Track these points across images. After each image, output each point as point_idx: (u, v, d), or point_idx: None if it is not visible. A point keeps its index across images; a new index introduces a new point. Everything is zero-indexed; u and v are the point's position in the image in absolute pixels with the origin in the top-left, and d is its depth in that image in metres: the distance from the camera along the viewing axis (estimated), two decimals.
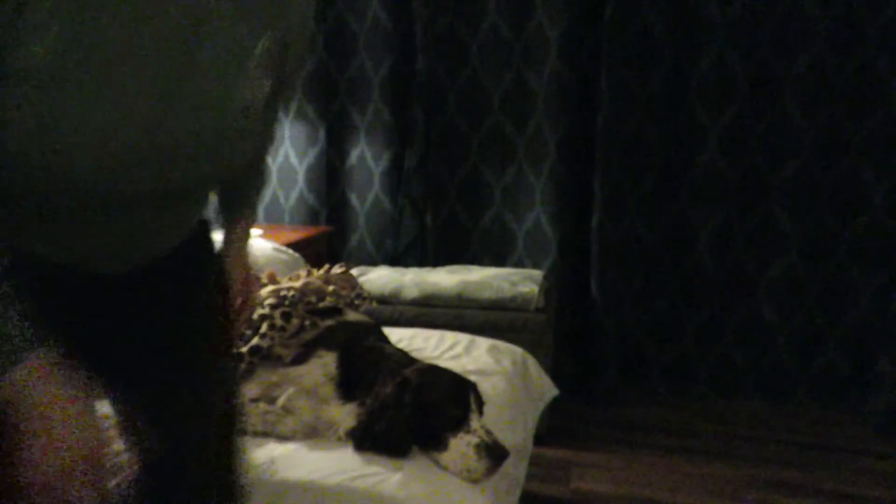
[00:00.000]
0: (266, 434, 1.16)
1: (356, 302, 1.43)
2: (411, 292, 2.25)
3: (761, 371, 2.64)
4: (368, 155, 2.81)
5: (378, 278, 2.32)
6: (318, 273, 1.44)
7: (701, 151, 2.53)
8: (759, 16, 2.42)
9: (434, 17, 2.67)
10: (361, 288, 1.46)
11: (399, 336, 1.72)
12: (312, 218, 2.90)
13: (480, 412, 1.14)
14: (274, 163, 2.91)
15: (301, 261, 1.95)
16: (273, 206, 2.96)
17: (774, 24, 2.43)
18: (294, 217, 2.91)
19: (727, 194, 2.54)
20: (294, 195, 2.88)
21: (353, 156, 2.84)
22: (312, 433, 1.16)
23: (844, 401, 2.56)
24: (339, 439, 1.13)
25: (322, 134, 2.83)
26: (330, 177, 2.89)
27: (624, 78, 2.50)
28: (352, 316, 1.36)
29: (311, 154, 2.84)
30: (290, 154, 2.88)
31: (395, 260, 2.83)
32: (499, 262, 2.77)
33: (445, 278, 2.30)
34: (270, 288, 1.33)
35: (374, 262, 2.80)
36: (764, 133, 2.51)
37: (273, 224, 2.90)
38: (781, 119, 2.49)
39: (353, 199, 2.87)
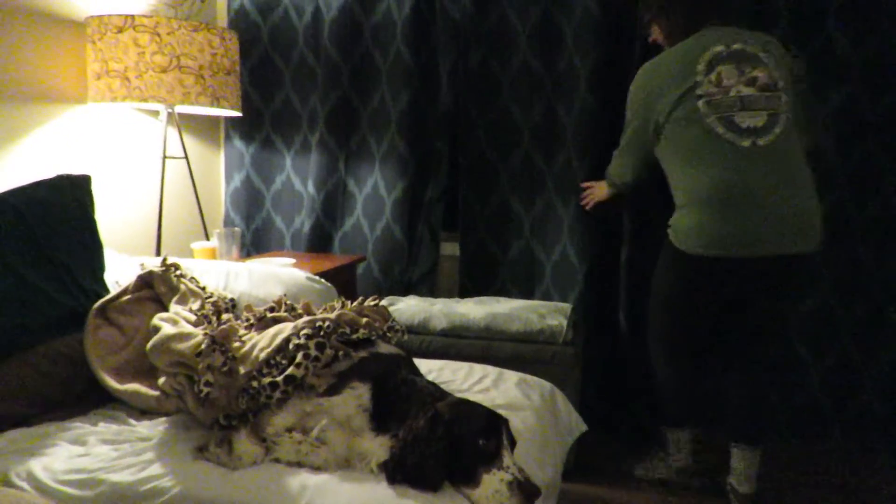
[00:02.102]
0: (299, 464, 1.18)
1: (388, 334, 1.45)
2: (440, 323, 2.27)
3: (794, 410, 2.58)
4: (381, 184, 2.86)
5: (407, 308, 2.35)
6: (352, 305, 1.46)
7: None
8: (792, 52, 2.43)
9: (465, 51, 2.73)
10: (394, 320, 1.47)
11: (428, 368, 1.74)
12: (326, 245, 2.95)
13: (512, 448, 1.15)
14: (296, 192, 2.98)
15: (333, 291, 1.98)
16: (295, 234, 3.03)
17: (807, 61, 2.43)
18: (309, 244, 2.96)
19: None
20: (308, 223, 2.93)
21: (369, 184, 2.89)
22: (345, 464, 1.17)
23: (882, 442, 2.49)
24: (372, 472, 1.14)
25: (341, 164, 2.89)
26: (345, 205, 2.94)
27: None
28: (384, 348, 1.38)
29: (330, 183, 2.89)
30: (308, 183, 2.94)
31: (408, 288, 2.85)
32: (526, 292, 2.78)
33: (474, 309, 2.32)
34: (306, 318, 1.35)
35: (380, 290, 2.83)
36: None
37: (299, 251, 2.95)
38: (814, 154, 2.47)
39: (365, 228, 2.92)
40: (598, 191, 2.40)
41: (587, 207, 2.48)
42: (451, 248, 2.98)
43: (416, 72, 2.76)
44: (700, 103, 1.83)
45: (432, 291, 2.90)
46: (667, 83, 1.89)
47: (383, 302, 1.55)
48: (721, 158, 1.80)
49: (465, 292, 2.83)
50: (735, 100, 1.82)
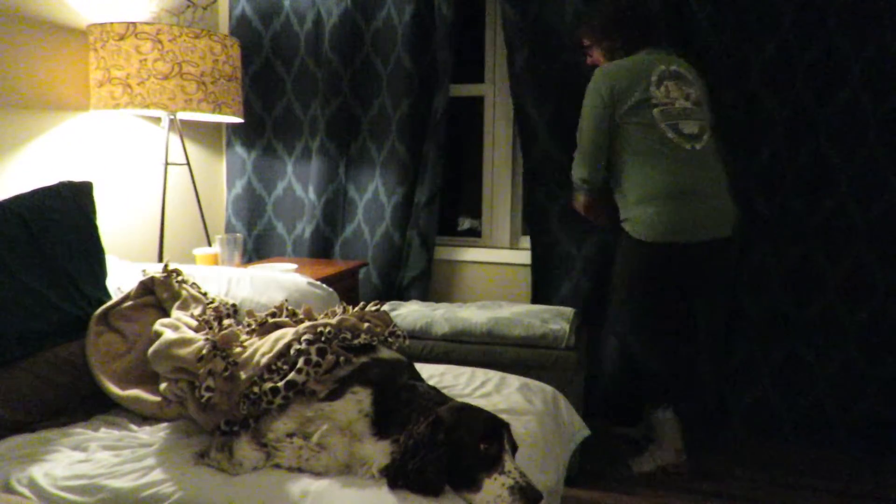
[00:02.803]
0: (300, 469, 1.17)
1: (390, 340, 1.45)
2: (442, 328, 2.27)
3: (799, 414, 2.57)
4: (382, 190, 2.86)
5: (409, 313, 2.34)
6: (354, 310, 1.46)
7: (737, 191, 2.52)
8: (794, 55, 2.43)
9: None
10: (395, 325, 1.47)
11: (430, 373, 1.73)
12: (328, 250, 2.95)
13: (514, 453, 1.14)
14: (298, 197, 2.98)
15: (335, 296, 1.98)
16: (296, 240, 3.03)
17: (809, 65, 2.44)
18: (310, 250, 2.96)
19: (761, 233, 2.52)
20: (310, 229, 2.94)
21: (370, 190, 2.90)
22: (346, 470, 1.17)
23: (887, 447, 2.47)
24: (373, 477, 1.13)
25: (342, 170, 2.90)
26: (346, 211, 2.94)
27: None
28: (386, 353, 1.38)
29: (330, 189, 2.89)
30: (309, 190, 2.95)
31: (400, 293, 2.85)
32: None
33: (476, 314, 2.31)
34: (308, 324, 1.35)
35: (379, 295, 2.83)
36: (799, 172, 2.50)
37: (301, 257, 2.95)
38: (817, 159, 2.48)
39: (366, 233, 2.92)
40: (581, 207, 2.37)
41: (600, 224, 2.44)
42: (446, 253, 2.96)
43: (416, 77, 2.77)
44: (655, 111, 2.11)
45: (426, 296, 2.89)
46: (627, 88, 2.12)
47: (385, 307, 1.55)
48: (673, 160, 2.11)
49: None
50: (680, 110, 2.14)
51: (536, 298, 2.75)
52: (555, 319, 2.27)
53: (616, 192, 2.24)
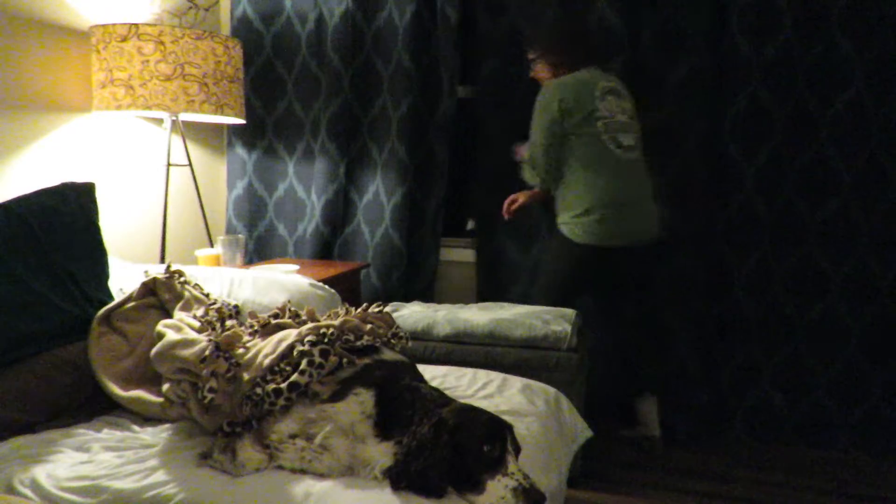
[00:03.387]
0: (303, 471, 1.17)
1: (392, 341, 1.44)
2: (443, 329, 2.26)
3: (801, 415, 2.57)
4: (382, 191, 2.86)
5: (411, 314, 2.34)
6: (356, 311, 1.46)
7: (737, 191, 2.52)
8: (795, 56, 2.43)
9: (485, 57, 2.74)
10: (398, 327, 1.47)
11: (432, 374, 1.73)
12: (330, 251, 2.96)
13: (517, 454, 1.14)
14: (302, 199, 2.98)
15: (337, 297, 1.98)
16: (298, 241, 3.03)
17: (810, 65, 2.44)
18: (310, 250, 2.96)
19: (763, 234, 2.52)
20: (311, 230, 2.94)
21: (370, 191, 2.90)
22: (348, 471, 1.17)
23: (889, 449, 2.47)
24: (376, 478, 1.13)
25: (342, 170, 2.90)
26: (346, 211, 2.94)
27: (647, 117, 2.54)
28: (388, 355, 1.37)
29: (331, 189, 2.89)
30: (310, 190, 2.95)
31: (407, 295, 2.86)
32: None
33: (478, 315, 2.30)
34: (310, 325, 1.35)
35: (377, 296, 2.83)
36: (801, 173, 2.50)
37: (303, 258, 2.95)
38: (818, 159, 2.48)
39: (366, 234, 2.92)
40: (522, 197, 2.53)
41: (508, 214, 2.57)
42: (454, 255, 2.97)
43: (416, 78, 2.77)
44: (599, 124, 2.27)
45: (432, 297, 2.90)
46: (576, 102, 2.26)
47: (387, 308, 1.55)
48: (614, 170, 2.28)
49: (483, 297, 2.82)
50: (620, 124, 2.31)
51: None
52: (557, 321, 2.26)
53: (558, 196, 2.38)
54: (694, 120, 2.52)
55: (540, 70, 2.42)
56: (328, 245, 2.97)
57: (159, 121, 2.54)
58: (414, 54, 2.75)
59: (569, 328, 2.19)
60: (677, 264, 2.62)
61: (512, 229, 2.77)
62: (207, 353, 1.31)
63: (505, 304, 2.52)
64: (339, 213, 2.96)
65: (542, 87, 2.33)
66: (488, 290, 2.84)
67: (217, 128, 3.01)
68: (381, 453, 1.15)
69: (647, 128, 2.44)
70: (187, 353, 1.34)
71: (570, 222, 2.31)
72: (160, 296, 1.66)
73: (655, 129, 2.50)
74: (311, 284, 1.95)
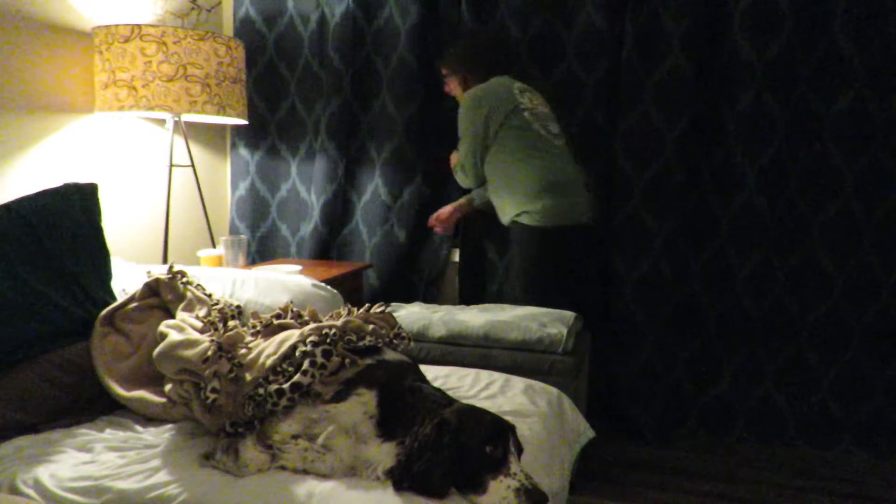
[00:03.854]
0: (306, 471, 1.17)
1: (395, 341, 1.44)
2: (438, 330, 2.24)
3: (804, 416, 2.56)
4: (383, 190, 2.86)
5: (408, 315, 2.32)
6: (358, 312, 1.46)
7: (739, 191, 2.52)
8: (797, 57, 2.43)
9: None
10: (400, 327, 1.47)
11: (434, 374, 1.73)
12: (331, 252, 2.96)
13: (519, 455, 1.14)
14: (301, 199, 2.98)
15: (339, 298, 1.98)
16: (300, 241, 3.03)
17: (812, 65, 2.43)
18: (314, 251, 2.97)
19: (766, 234, 2.52)
20: (314, 230, 2.94)
21: (369, 191, 2.90)
22: (351, 472, 1.17)
23: (893, 449, 2.46)
24: (378, 479, 1.13)
25: (341, 170, 2.90)
26: (344, 211, 2.95)
27: (651, 118, 2.53)
28: (391, 355, 1.37)
29: (329, 189, 2.90)
30: (311, 190, 2.95)
31: (412, 295, 2.86)
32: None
33: (474, 317, 2.29)
34: (312, 325, 1.35)
35: (376, 296, 2.85)
36: (803, 173, 2.50)
37: (305, 259, 2.95)
38: (821, 159, 2.47)
39: (364, 234, 2.92)
40: (447, 213, 2.64)
41: (438, 230, 2.70)
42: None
43: (418, 77, 2.77)
44: (526, 114, 2.36)
45: (436, 298, 2.90)
46: (498, 103, 2.35)
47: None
48: (551, 155, 2.37)
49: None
50: (543, 113, 2.41)
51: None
52: (553, 323, 2.24)
53: (499, 194, 2.44)
54: (674, 120, 2.52)
55: (452, 85, 2.54)
56: (332, 245, 2.97)
57: (162, 121, 2.55)
58: (415, 54, 2.76)
59: (564, 331, 2.17)
60: (679, 264, 2.62)
61: (494, 230, 2.77)
62: (210, 353, 1.31)
63: (505, 306, 2.51)
64: (337, 212, 2.95)
65: (462, 104, 2.42)
66: (469, 291, 2.85)
67: (219, 128, 3.02)
68: (384, 454, 1.15)
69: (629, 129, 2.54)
70: (190, 353, 1.34)
71: (530, 210, 2.36)
72: (163, 296, 1.66)
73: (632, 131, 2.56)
74: (314, 285, 1.95)
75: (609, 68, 2.58)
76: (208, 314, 1.56)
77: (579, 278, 2.58)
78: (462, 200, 2.63)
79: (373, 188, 2.90)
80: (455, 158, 2.53)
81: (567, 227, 2.37)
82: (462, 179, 2.55)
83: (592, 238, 2.54)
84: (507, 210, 2.42)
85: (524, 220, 2.38)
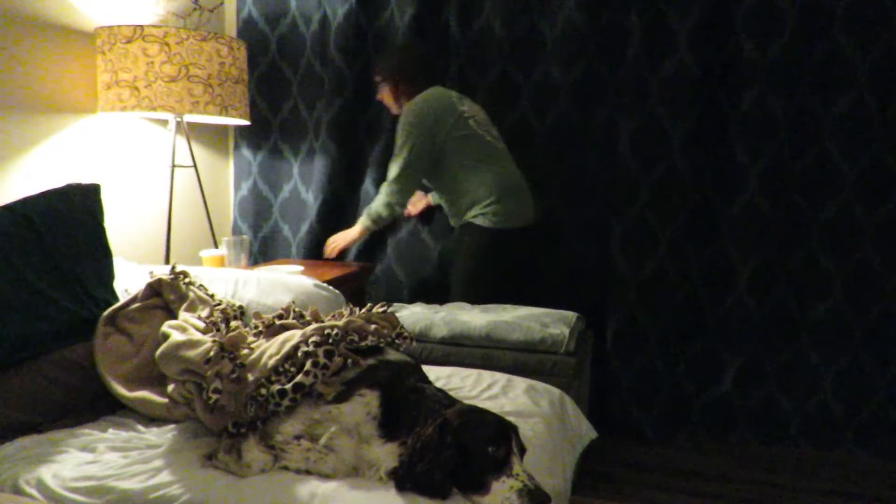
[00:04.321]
0: (308, 472, 1.17)
1: (397, 341, 1.45)
2: (440, 331, 2.24)
3: (806, 416, 2.56)
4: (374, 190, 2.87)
5: (410, 315, 2.32)
6: (361, 312, 1.46)
7: (741, 191, 2.52)
8: (799, 57, 2.43)
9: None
10: (402, 327, 1.47)
11: (436, 374, 1.73)
12: (319, 250, 2.96)
13: (522, 455, 1.14)
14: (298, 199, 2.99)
15: (341, 298, 1.98)
16: (302, 242, 3.03)
17: (814, 66, 2.43)
18: (316, 252, 2.97)
19: (767, 234, 2.52)
20: (317, 230, 2.94)
21: (361, 190, 2.91)
22: (353, 472, 1.17)
23: (895, 449, 2.46)
24: (381, 479, 1.13)
25: (343, 170, 2.90)
26: (344, 211, 2.96)
27: (654, 117, 2.53)
28: (393, 355, 1.37)
29: (329, 189, 2.90)
30: (311, 190, 2.96)
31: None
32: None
33: (477, 317, 2.29)
34: (314, 326, 1.35)
35: (378, 294, 2.86)
36: (805, 173, 2.50)
37: (306, 259, 2.95)
38: (822, 159, 2.47)
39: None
40: (343, 239, 2.67)
41: (333, 256, 2.72)
42: None
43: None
44: (471, 122, 2.44)
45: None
46: (442, 112, 2.42)
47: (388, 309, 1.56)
48: (500, 158, 2.49)
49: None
50: (484, 119, 2.52)
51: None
52: (555, 324, 2.24)
53: (453, 199, 2.52)
54: (679, 120, 2.52)
55: (384, 93, 2.58)
56: (321, 244, 2.96)
57: (164, 122, 2.55)
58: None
59: (567, 331, 2.17)
60: (681, 265, 2.62)
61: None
62: (212, 353, 1.31)
63: (507, 307, 2.51)
64: (336, 212, 2.95)
65: (405, 107, 2.46)
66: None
67: (221, 129, 3.02)
68: (386, 454, 1.15)
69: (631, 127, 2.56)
70: (192, 353, 1.34)
71: (485, 212, 2.43)
72: (165, 296, 1.66)
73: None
74: (316, 285, 1.95)
75: (586, 67, 2.60)
76: (210, 314, 1.57)
77: (525, 276, 2.71)
78: (360, 231, 2.62)
79: (365, 188, 2.92)
80: (392, 173, 2.49)
81: (518, 229, 2.48)
82: (389, 196, 2.49)
83: (534, 237, 2.62)
84: (463, 212, 2.49)
85: (479, 221, 2.45)
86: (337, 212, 2.95)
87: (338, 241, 2.69)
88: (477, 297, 2.44)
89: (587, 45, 2.59)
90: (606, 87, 2.62)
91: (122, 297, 1.70)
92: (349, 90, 2.84)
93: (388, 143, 2.82)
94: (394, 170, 2.47)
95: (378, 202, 2.53)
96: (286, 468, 1.19)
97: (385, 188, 2.50)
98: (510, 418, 1.24)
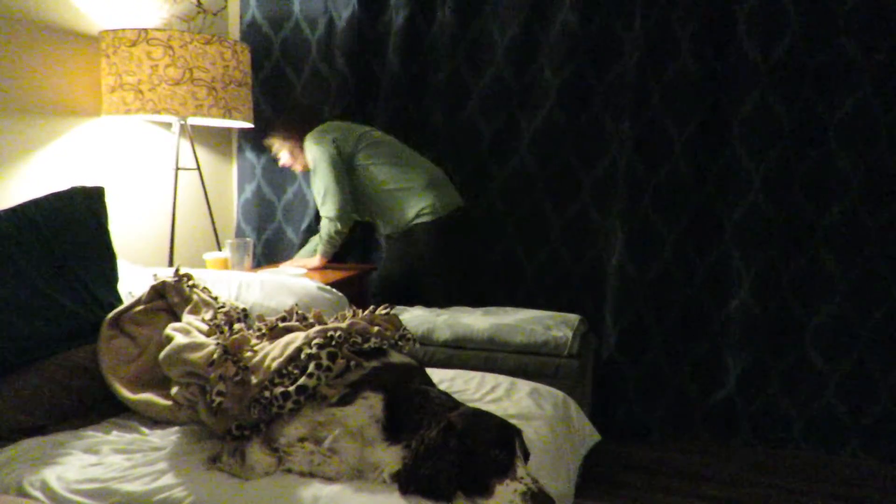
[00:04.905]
0: (312, 474, 1.17)
1: (400, 343, 1.44)
2: (443, 334, 2.23)
3: (810, 419, 2.55)
4: None
5: (412, 318, 2.32)
6: (363, 314, 1.46)
7: (744, 193, 2.51)
8: (802, 59, 2.42)
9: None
10: (405, 329, 1.47)
11: (440, 377, 1.73)
12: (337, 255, 2.96)
13: (526, 459, 1.14)
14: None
15: (344, 300, 1.98)
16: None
17: (818, 68, 2.43)
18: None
19: (771, 237, 2.51)
20: (303, 226, 2.95)
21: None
22: (357, 475, 1.17)
23: None
24: (384, 482, 1.13)
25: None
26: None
27: (654, 120, 2.53)
28: (396, 357, 1.37)
29: None
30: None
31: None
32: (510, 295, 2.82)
33: (479, 320, 2.29)
34: (318, 328, 1.35)
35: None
36: (808, 176, 2.49)
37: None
38: (826, 162, 2.46)
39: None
40: (310, 266, 2.67)
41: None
42: None
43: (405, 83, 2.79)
44: (375, 133, 2.62)
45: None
46: (337, 129, 2.57)
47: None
48: (417, 157, 2.61)
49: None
50: (388, 136, 2.67)
51: None
52: (558, 326, 2.23)
53: (387, 208, 2.57)
54: (681, 124, 2.52)
55: (284, 157, 2.67)
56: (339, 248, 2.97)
57: (168, 125, 2.56)
58: (402, 59, 2.77)
59: (570, 334, 2.17)
60: (686, 266, 2.61)
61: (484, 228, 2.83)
62: (216, 356, 1.31)
63: (509, 309, 2.51)
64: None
65: (308, 146, 2.55)
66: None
67: (225, 132, 3.03)
68: (390, 457, 1.15)
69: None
70: (196, 356, 1.35)
71: (425, 207, 2.51)
72: (169, 299, 1.67)
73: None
74: (319, 287, 1.95)
75: (575, 69, 2.61)
76: (214, 317, 1.57)
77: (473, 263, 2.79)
78: (322, 259, 2.65)
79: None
80: (331, 212, 2.54)
81: (456, 211, 2.57)
82: (330, 209, 2.54)
83: (469, 216, 2.68)
84: (404, 217, 2.54)
85: (424, 218, 2.51)
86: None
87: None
88: (444, 285, 2.55)
89: (578, 48, 2.60)
90: (605, 89, 2.62)
91: (127, 300, 1.70)
92: (353, 93, 2.85)
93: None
94: (326, 207, 2.53)
95: (324, 236, 2.59)
96: (290, 471, 1.19)
97: (326, 226, 2.56)
98: (514, 421, 1.24)
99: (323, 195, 2.53)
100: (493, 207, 2.78)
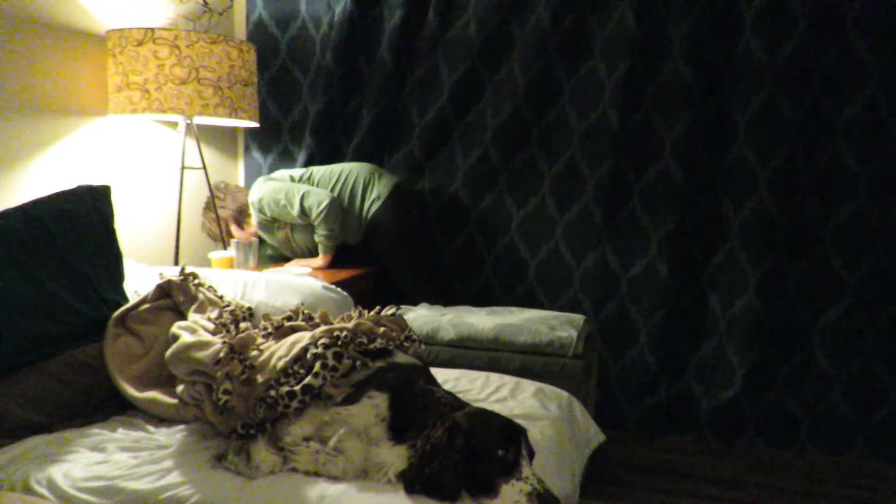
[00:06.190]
0: (317, 473, 1.17)
1: (405, 344, 1.45)
2: (448, 333, 2.23)
3: (816, 421, 2.54)
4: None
5: (416, 318, 2.32)
6: (369, 314, 1.46)
7: (751, 194, 2.50)
8: (810, 59, 2.41)
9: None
10: (411, 330, 1.47)
11: (445, 377, 1.73)
12: (341, 254, 2.97)
13: (531, 459, 1.14)
14: None
15: (350, 300, 1.98)
16: None
17: (825, 68, 2.42)
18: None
19: (777, 237, 2.50)
20: None
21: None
22: (362, 474, 1.17)
23: None
24: (390, 481, 1.13)
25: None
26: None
27: (654, 120, 2.52)
28: (402, 358, 1.37)
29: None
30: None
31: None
32: (509, 291, 2.82)
33: (484, 320, 2.28)
34: (324, 328, 1.36)
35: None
36: (816, 176, 2.48)
37: None
38: (833, 162, 2.46)
39: None
40: (315, 266, 2.67)
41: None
42: None
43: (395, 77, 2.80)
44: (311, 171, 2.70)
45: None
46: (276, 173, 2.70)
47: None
48: (343, 166, 2.70)
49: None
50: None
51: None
52: (563, 326, 2.23)
53: (348, 220, 2.64)
54: (672, 123, 2.52)
55: (235, 230, 2.69)
56: (342, 248, 2.97)
57: (174, 124, 2.56)
58: (394, 56, 2.78)
59: (574, 334, 2.17)
60: (690, 267, 2.60)
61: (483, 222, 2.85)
62: (222, 355, 1.32)
63: (514, 309, 2.51)
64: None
65: (257, 190, 2.58)
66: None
67: (231, 131, 3.03)
68: (395, 457, 1.15)
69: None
70: (202, 354, 1.35)
71: (373, 198, 2.63)
72: (175, 298, 1.67)
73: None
74: (324, 287, 1.95)
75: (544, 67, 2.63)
76: (220, 316, 1.57)
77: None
78: (327, 256, 2.67)
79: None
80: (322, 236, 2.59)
81: (397, 184, 2.67)
82: (314, 208, 2.54)
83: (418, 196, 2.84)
84: (362, 214, 2.65)
85: (377, 205, 2.63)
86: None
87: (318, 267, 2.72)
88: (431, 283, 2.68)
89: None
90: (605, 87, 2.62)
91: (133, 299, 1.71)
92: (335, 86, 2.86)
93: (362, 137, 2.85)
94: (313, 210, 2.53)
95: (319, 237, 2.60)
96: (295, 470, 1.19)
97: (319, 226, 2.57)
98: (519, 421, 1.24)
99: (303, 202, 2.53)
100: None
